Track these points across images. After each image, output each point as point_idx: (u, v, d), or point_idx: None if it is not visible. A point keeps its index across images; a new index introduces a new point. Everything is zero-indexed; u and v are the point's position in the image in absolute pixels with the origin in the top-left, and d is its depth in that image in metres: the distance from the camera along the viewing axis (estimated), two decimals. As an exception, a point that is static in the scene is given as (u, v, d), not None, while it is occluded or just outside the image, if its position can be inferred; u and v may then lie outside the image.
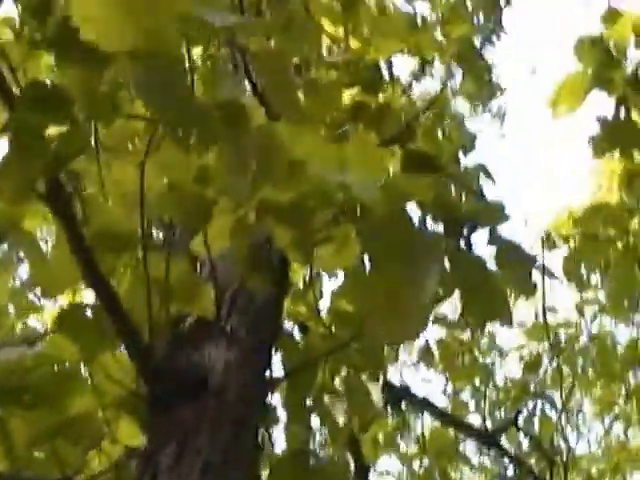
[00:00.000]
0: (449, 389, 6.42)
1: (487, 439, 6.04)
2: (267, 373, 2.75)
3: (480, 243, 2.66)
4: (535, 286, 2.69)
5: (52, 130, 2.24)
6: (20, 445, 2.41)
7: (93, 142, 2.36)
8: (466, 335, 5.69)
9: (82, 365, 2.48)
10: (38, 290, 3.03)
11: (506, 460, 6.52)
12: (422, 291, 2.30)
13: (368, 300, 2.41)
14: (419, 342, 5.31)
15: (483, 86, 5.71)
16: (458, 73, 5.44)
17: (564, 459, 6.46)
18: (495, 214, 2.68)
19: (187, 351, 2.42)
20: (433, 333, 5.90)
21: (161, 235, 2.80)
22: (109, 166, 2.45)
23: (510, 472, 6.62)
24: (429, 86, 5.38)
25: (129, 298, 2.36)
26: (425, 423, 6.17)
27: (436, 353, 5.37)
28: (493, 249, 2.63)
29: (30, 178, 2.23)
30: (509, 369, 6.72)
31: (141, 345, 2.32)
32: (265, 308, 2.72)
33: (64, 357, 2.43)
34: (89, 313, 2.42)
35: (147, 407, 2.35)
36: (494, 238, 2.61)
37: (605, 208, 5.07)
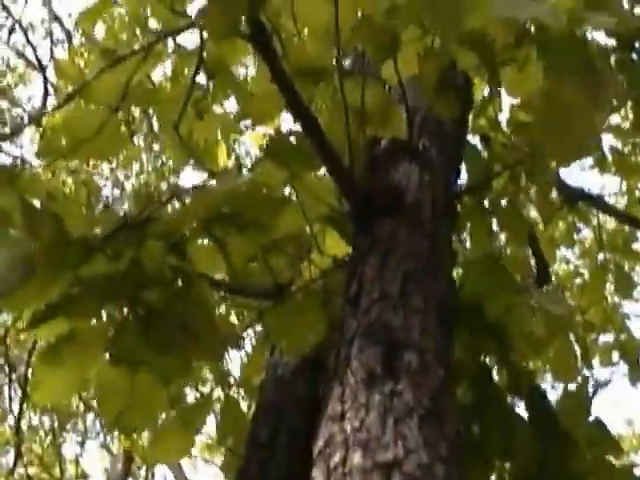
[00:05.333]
0: (623, 188, 6.47)
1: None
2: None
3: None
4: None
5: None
6: (238, 261, 2.65)
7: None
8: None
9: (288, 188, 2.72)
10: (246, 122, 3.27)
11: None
12: (599, 101, 2.48)
13: (545, 110, 2.58)
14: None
15: None
16: None
17: None
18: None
19: (384, 171, 2.61)
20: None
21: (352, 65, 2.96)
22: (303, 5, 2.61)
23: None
24: None
25: (328, 125, 2.56)
26: (600, 221, 6.25)
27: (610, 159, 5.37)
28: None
29: (233, 18, 2.44)
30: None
31: (342, 166, 2.52)
32: (452, 129, 2.88)
33: (272, 182, 2.66)
34: (293, 139, 2.64)
35: (351, 223, 2.57)
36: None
37: None
